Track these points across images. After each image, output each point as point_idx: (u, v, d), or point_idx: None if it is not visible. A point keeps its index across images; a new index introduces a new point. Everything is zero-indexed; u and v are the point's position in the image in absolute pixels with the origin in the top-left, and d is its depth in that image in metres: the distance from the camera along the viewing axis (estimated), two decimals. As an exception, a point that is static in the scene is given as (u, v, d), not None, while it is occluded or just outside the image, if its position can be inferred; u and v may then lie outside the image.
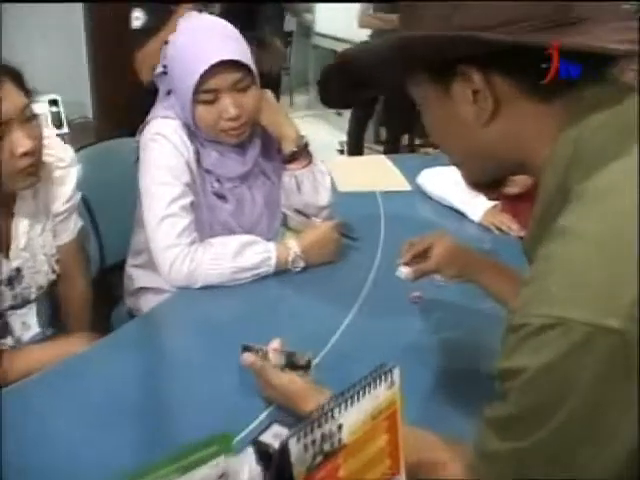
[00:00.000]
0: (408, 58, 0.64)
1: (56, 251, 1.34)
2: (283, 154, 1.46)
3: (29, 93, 1.20)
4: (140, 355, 1.13)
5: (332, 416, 0.64)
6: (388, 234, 1.59)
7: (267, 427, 0.82)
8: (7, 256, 1.23)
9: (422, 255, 1.09)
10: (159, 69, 1.40)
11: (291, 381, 0.91)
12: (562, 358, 0.51)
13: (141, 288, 1.52)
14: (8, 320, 1.24)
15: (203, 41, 1.28)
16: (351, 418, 0.66)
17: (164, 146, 1.33)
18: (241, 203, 1.45)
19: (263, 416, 0.96)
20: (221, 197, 1.42)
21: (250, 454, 0.62)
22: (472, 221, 1.67)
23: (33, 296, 1.28)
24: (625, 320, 0.50)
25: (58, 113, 2.28)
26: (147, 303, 1.46)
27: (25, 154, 1.15)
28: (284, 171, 1.49)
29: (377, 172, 2.00)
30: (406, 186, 1.90)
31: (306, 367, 0.97)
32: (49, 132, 1.32)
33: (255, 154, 1.46)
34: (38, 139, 1.19)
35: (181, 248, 1.30)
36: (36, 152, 1.18)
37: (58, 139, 1.35)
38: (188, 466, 0.57)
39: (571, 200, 0.59)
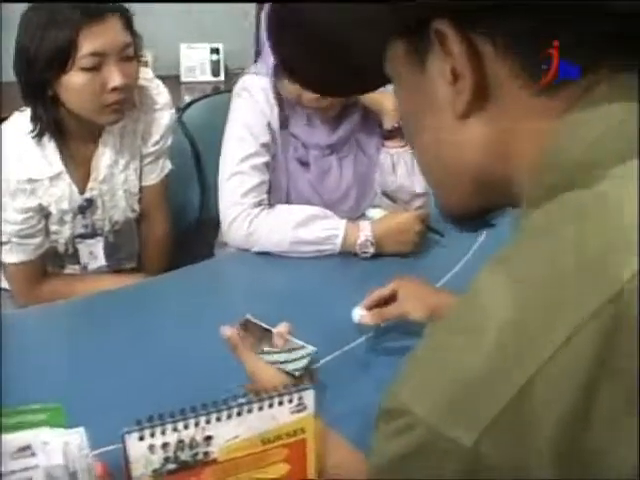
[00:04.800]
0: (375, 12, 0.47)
1: (139, 191, 1.37)
2: (383, 129, 1.34)
3: (135, 35, 1.22)
4: (166, 305, 1.13)
5: (196, 424, 0.54)
6: (488, 241, 1.39)
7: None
8: (83, 186, 1.28)
9: (387, 302, 1.02)
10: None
11: (259, 368, 0.82)
12: (400, 460, 0.38)
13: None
14: (77, 247, 1.30)
15: None
16: (227, 433, 0.56)
17: (247, 102, 1.29)
18: (325, 174, 1.37)
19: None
20: (304, 164, 1.35)
21: (78, 434, 0.55)
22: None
23: (106, 229, 1.33)
24: (481, 436, 0.34)
25: (217, 62, 2.33)
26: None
27: (115, 89, 1.17)
28: (382, 148, 1.37)
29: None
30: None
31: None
32: (148, 74, 1.34)
33: (350, 126, 1.36)
34: (131, 79, 1.21)
35: (244, 208, 1.26)
36: (126, 90, 1.20)
37: (157, 82, 1.37)
38: (9, 426, 0.52)
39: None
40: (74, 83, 1.15)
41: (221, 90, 2.24)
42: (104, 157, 1.28)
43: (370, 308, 1.02)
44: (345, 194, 1.40)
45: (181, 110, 1.71)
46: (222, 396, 0.84)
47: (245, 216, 1.25)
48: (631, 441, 0.33)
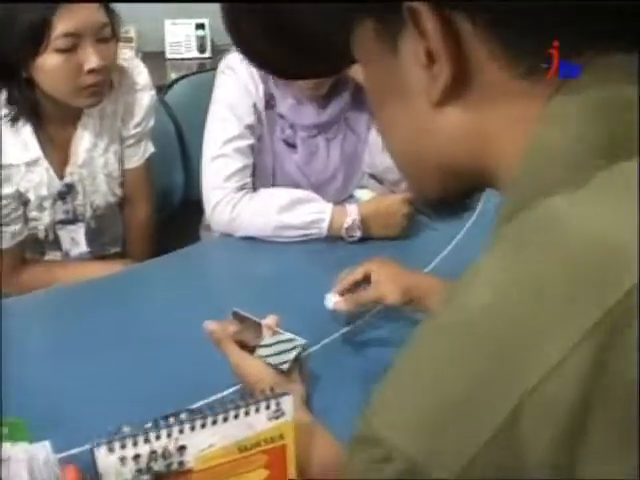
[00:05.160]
0: None
1: (121, 175, 1.34)
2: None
3: (113, 15, 1.18)
4: (151, 293, 1.11)
5: (169, 434, 0.52)
6: (479, 224, 1.36)
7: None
8: (62, 171, 1.24)
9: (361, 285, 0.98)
10: None
11: (244, 362, 0.80)
12: None
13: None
14: (58, 233, 1.27)
15: None
16: (202, 442, 0.54)
17: (231, 81, 1.25)
18: (312, 155, 1.33)
19: (227, 392, 0.88)
20: (291, 145, 1.31)
21: (43, 448, 0.52)
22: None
23: (88, 214, 1.30)
24: (465, 469, 0.32)
25: (203, 37, 2.27)
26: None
27: (92, 71, 1.13)
28: (372, 126, 1.33)
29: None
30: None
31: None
32: (127, 54, 1.30)
33: (340, 106, 1.32)
34: (109, 60, 1.17)
35: (226, 192, 1.23)
36: (103, 72, 1.16)
37: (137, 62, 1.32)
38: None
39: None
40: (49, 65, 1.11)
41: (207, 67, 2.19)
42: (83, 141, 1.25)
43: (343, 293, 0.97)
44: (332, 176, 1.36)
45: (166, 88, 1.67)
46: (210, 386, 0.84)
47: (228, 201, 1.22)
48: (627, 457, 0.31)
